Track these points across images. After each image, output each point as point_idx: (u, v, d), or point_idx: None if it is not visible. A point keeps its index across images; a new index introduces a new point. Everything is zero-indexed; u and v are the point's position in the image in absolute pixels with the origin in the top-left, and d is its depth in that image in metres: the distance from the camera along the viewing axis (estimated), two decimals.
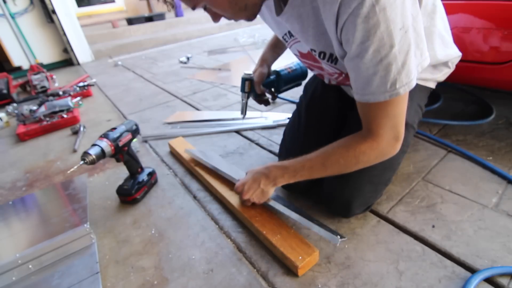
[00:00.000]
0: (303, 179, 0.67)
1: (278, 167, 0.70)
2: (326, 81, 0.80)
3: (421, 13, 0.57)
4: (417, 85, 0.72)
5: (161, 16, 4.31)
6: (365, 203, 0.74)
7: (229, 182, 0.90)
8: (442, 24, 0.70)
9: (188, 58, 2.68)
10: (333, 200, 0.75)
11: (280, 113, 1.40)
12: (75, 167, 0.78)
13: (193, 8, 0.55)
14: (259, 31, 3.65)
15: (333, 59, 0.63)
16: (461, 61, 0.78)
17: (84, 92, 2.00)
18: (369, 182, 0.71)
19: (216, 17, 0.58)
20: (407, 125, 0.67)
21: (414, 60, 0.52)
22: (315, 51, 0.64)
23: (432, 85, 0.78)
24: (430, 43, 0.68)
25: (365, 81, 0.53)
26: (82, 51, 3.12)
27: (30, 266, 0.70)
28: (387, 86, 0.52)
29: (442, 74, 0.77)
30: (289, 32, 0.67)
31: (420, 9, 0.59)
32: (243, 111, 0.96)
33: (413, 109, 0.72)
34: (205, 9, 0.57)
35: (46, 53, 3.00)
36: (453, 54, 0.74)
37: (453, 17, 0.91)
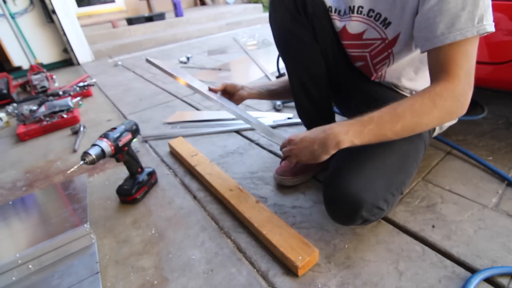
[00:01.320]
0: (372, 138, 0.58)
1: (340, 124, 0.61)
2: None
3: None
4: None
5: (161, 16, 4.31)
6: (375, 204, 0.61)
7: (229, 182, 0.90)
8: None
9: (188, 58, 2.68)
10: (340, 194, 0.62)
11: (280, 113, 1.40)
12: (75, 167, 0.78)
13: None
14: (259, 31, 3.66)
15: (385, 23, 0.68)
16: None
17: (84, 92, 2.00)
18: (383, 175, 0.63)
19: None
20: (420, 135, 0.70)
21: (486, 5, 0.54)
22: (373, 11, 0.68)
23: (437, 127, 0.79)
24: None
25: (452, 18, 0.54)
26: (82, 51, 3.12)
27: (30, 266, 0.70)
28: (475, 21, 0.53)
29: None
30: (349, 7, 0.72)
31: None
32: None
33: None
34: None
35: (46, 53, 3.00)
36: None
37: None
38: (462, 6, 0.53)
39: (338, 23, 0.78)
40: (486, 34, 0.55)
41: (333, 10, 0.77)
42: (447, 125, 0.81)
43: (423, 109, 0.56)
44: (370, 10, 0.69)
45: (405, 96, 0.73)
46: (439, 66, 0.58)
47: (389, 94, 0.78)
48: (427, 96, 0.57)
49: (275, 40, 0.84)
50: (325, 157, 0.62)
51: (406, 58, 0.72)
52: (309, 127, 0.97)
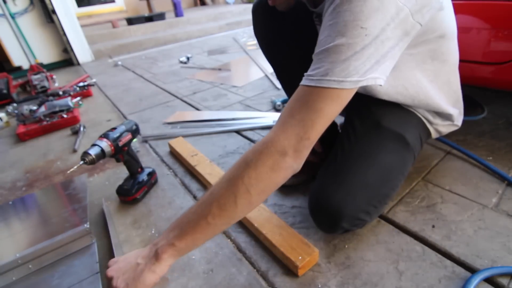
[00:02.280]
0: (204, 236, 0.53)
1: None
2: None
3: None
4: (422, 122, 0.75)
5: (161, 16, 4.31)
6: (355, 216, 0.63)
7: None
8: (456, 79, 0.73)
9: (188, 58, 2.68)
10: (321, 207, 0.65)
11: (280, 113, 1.40)
12: (75, 167, 0.78)
13: None
14: None
15: None
16: (461, 61, 0.78)
17: (84, 92, 2.00)
18: (364, 189, 0.63)
19: None
20: (408, 146, 0.69)
21: (363, 64, 0.47)
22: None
23: (432, 131, 0.78)
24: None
25: (313, 61, 0.51)
26: (82, 51, 3.12)
27: (30, 266, 0.70)
28: (320, 73, 0.48)
29: (444, 125, 0.78)
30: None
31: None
32: None
33: (415, 136, 0.72)
34: None
35: (46, 53, 3.00)
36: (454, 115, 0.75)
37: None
38: (333, 60, 0.48)
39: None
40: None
41: (314, 15, 0.79)
42: (445, 130, 0.80)
43: (238, 175, 0.51)
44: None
45: (398, 105, 0.72)
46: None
47: (383, 101, 0.76)
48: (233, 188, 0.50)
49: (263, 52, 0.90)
50: (150, 274, 0.53)
51: None
52: None
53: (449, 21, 0.62)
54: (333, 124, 0.95)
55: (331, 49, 0.47)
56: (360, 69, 0.47)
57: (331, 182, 0.65)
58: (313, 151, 0.94)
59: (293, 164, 0.51)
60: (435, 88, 0.69)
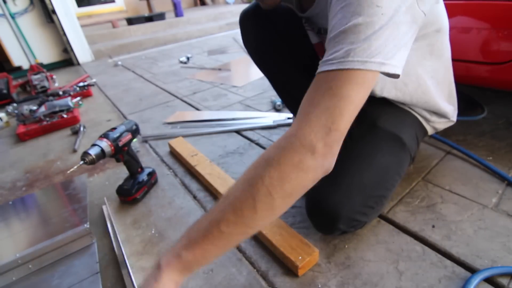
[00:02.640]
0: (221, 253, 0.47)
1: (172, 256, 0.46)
2: None
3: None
4: (418, 121, 0.75)
5: (161, 16, 4.31)
6: (352, 218, 0.63)
7: (229, 182, 0.90)
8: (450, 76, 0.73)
9: (188, 58, 2.68)
10: (318, 209, 0.65)
11: (280, 113, 1.40)
12: (75, 167, 0.78)
13: None
14: None
15: (321, 32, 0.69)
16: (461, 61, 0.78)
17: (84, 92, 2.00)
18: (360, 190, 0.63)
19: None
20: (404, 146, 0.69)
21: (384, 45, 0.43)
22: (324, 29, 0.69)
23: (428, 128, 0.78)
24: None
25: (328, 47, 0.46)
26: (82, 51, 3.12)
27: (30, 266, 0.70)
28: (340, 55, 0.43)
29: (441, 122, 0.78)
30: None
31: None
32: None
33: (411, 136, 0.72)
34: None
35: (46, 53, 3.00)
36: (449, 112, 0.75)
37: (453, 17, 0.91)
38: (352, 40, 0.43)
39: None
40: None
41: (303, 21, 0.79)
42: (441, 127, 0.80)
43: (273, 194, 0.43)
44: (320, 28, 0.72)
45: (393, 104, 0.73)
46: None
47: (378, 101, 0.74)
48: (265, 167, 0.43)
49: (255, 63, 0.89)
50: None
51: None
52: None
53: (443, 15, 0.63)
54: None
55: (348, 29, 0.43)
56: (382, 49, 0.43)
57: (327, 184, 0.61)
58: None
59: (323, 162, 0.44)
60: (434, 85, 0.69)
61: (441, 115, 0.76)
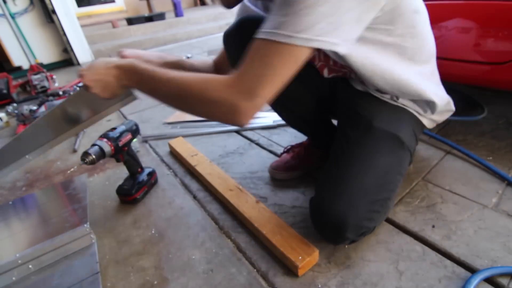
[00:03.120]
0: (147, 91, 0.59)
1: (132, 64, 0.60)
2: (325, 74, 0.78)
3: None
4: (414, 116, 0.72)
5: (161, 16, 4.31)
6: (359, 225, 0.62)
7: (229, 181, 0.90)
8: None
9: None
10: (323, 220, 0.64)
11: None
12: (75, 167, 0.78)
13: None
14: None
15: None
16: (461, 61, 0.78)
17: None
18: (364, 196, 0.62)
19: None
20: (403, 144, 0.68)
21: (316, 22, 0.45)
22: None
23: (426, 122, 0.75)
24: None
25: (268, 19, 0.49)
26: (82, 51, 3.11)
27: (30, 266, 0.70)
28: (272, 25, 0.47)
29: (438, 113, 0.75)
30: None
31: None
32: None
33: (409, 133, 0.70)
34: None
35: (46, 53, 3.00)
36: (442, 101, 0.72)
37: (454, 17, 0.91)
38: (285, 12, 0.46)
39: None
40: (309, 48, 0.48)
41: None
42: (439, 118, 0.77)
43: (190, 91, 0.53)
44: None
45: (387, 103, 0.71)
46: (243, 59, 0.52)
47: (371, 102, 0.72)
48: (205, 80, 0.52)
49: None
50: (116, 88, 0.62)
51: (358, 60, 0.61)
52: (312, 135, 0.97)
53: None
54: (332, 127, 0.95)
55: (283, 1, 0.45)
56: (312, 26, 0.44)
57: (330, 194, 0.64)
58: (309, 152, 0.94)
59: (240, 119, 0.51)
60: (416, 73, 0.66)
61: (432, 105, 0.72)
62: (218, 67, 0.90)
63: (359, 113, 0.71)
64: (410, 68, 0.65)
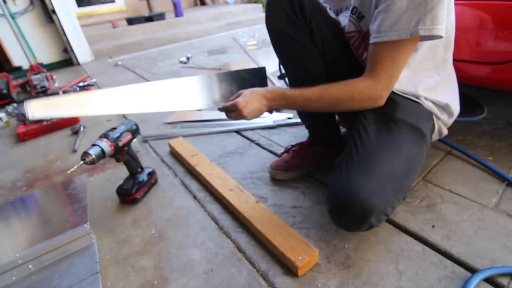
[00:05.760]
0: (298, 109, 0.78)
1: (278, 92, 0.72)
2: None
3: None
4: (431, 114, 0.75)
5: (161, 16, 4.31)
6: (384, 211, 0.59)
7: (229, 181, 0.90)
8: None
9: (188, 58, 2.68)
10: (348, 200, 0.58)
11: (280, 113, 1.40)
12: (75, 167, 0.78)
13: None
14: (259, 31, 3.66)
15: (359, 16, 0.72)
16: (461, 61, 0.78)
17: None
18: (392, 180, 0.60)
19: None
20: (425, 137, 0.70)
21: (442, 12, 0.57)
22: (356, 8, 0.73)
23: (437, 127, 0.77)
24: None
25: (395, 19, 0.58)
26: (82, 51, 3.12)
27: (30, 266, 0.70)
28: (412, 24, 0.57)
29: (446, 121, 0.79)
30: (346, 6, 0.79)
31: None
32: None
33: (428, 128, 0.72)
34: None
35: (46, 53, 3.00)
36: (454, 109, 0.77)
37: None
38: (405, 9, 0.57)
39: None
40: (430, 38, 0.61)
41: (327, 8, 0.79)
42: (445, 131, 0.82)
43: (341, 99, 0.68)
44: (354, 8, 0.74)
45: (408, 99, 0.72)
46: (371, 63, 0.65)
47: (391, 96, 0.74)
48: (348, 89, 0.67)
49: (272, 42, 0.82)
50: (263, 111, 0.73)
51: None
52: (310, 127, 0.97)
53: (452, 16, 0.69)
54: (337, 128, 0.95)
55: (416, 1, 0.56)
56: (429, 10, 0.57)
57: (356, 172, 0.61)
58: (309, 152, 0.94)
59: (380, 105, 0.68)
60: (441, 76, 0.72)
61: (449, 111, 0.76)
62: None
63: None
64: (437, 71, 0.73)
